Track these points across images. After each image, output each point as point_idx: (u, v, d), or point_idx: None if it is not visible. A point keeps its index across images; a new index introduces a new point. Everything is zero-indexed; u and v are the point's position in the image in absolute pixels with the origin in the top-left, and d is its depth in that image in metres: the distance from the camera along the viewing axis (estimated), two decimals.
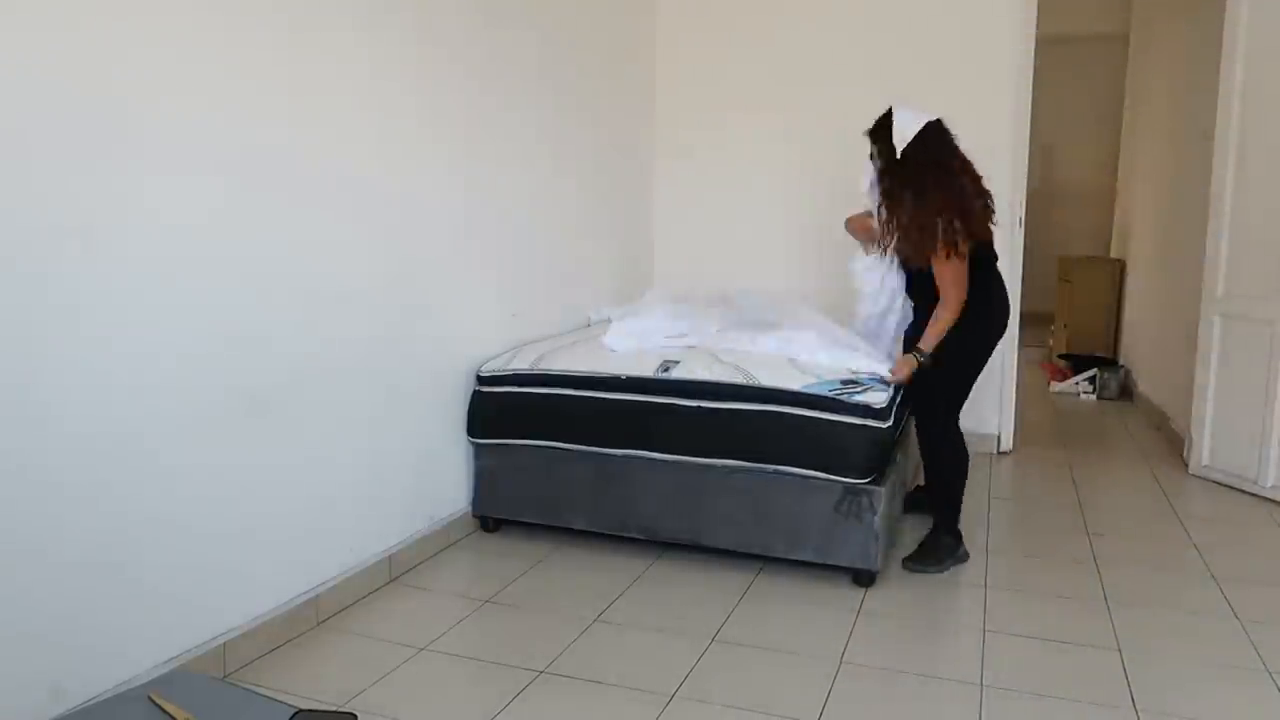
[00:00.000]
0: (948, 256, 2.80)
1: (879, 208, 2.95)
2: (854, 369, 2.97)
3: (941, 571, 3.00)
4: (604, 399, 3.07)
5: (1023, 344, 4.66)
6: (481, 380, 3.23)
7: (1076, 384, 5.98)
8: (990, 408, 4.34)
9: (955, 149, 2.91)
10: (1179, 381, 4.52)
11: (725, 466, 2.94)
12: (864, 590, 2.86)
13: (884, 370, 2.96)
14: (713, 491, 2.97)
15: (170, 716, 1.29)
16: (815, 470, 2.82)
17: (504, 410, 3.19)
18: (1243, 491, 3.83)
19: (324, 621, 2.59)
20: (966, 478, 3.09)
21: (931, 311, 2.92)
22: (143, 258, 2.01)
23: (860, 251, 3.16)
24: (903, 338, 3.16)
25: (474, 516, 3.31)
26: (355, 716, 1.39)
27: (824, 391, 2.86)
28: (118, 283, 1.96)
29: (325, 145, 2.53)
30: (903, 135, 2.84)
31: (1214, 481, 3.99)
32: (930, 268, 2.86)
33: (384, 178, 2.78)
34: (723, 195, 4.77)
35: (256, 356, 2.34)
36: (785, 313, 3.42)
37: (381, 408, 2.82)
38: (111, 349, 1.96)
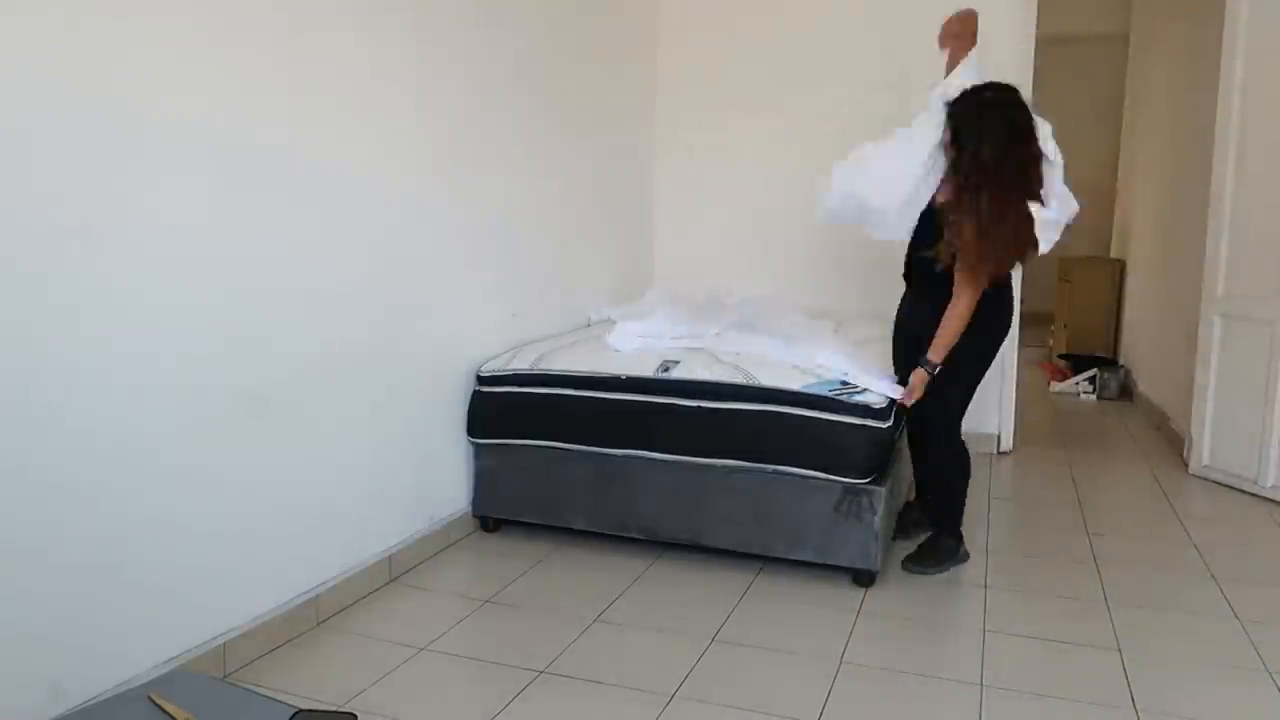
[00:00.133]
0: (977, 277, 2.70)
1: (944, 188, 2.77)
2: (859, 385, 2.88)
3: (941, 572, 3.00)
4: (604, 399, 3.07)
5: (1023, 344, 4.66)
6: (481, 380, 3.23)
7: (1076, 384, 5.98)
8: (990, 408, 4.34)
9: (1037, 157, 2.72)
10: (1179, 381, 4.52)
11: (725, 466, 2.94)
12: (864, 590, 2.86)
13: (894, 391, 2.87)
14: (713, 491, 2.97)
15: (170, 716, 1.29)
16: (815, 470, 2.82)
17: (504, 410, 3.19)
18: (1243, 491, 3.83)
19: (324, 621, 2.59)
20: (969, 479, 3.08)
21: (924, 283, 2.83)
22: (143, 258, 2.01)
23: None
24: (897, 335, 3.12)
25: (474, 516, 3.31)
26: (355, 716, 1.39)
27: (824, 391, 2.86)
28: (118, 283, 1.96)
29: (325, 145, 2.53)
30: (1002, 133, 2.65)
31: (1214, 481, 3.99)
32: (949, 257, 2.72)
33: (384, 178, 2.78)
34: (723, 195, 4.77)
35: (256, 356, 2.34)
36: (799, 329, 3.40)
37: (381, 408, 2.82)
38: (111, 349, 1.96)
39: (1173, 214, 5.14)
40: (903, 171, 2.82)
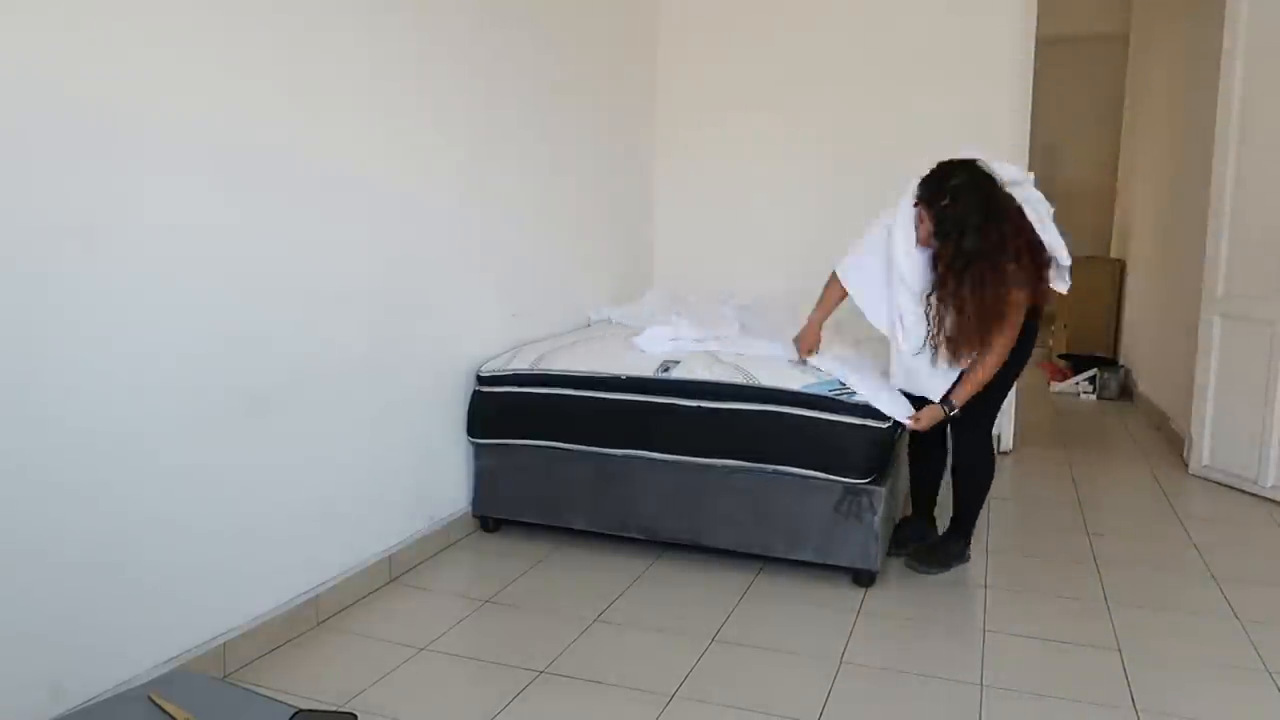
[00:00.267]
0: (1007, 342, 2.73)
1: (934, 294, 2.72)
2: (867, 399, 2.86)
3: (944, 572, 3.00)
4: (604, 399, 3.07)
5: None
6: (481, 380, 3.23)
7: (1076, 384, 5.98)
8: None
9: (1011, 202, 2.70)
10: (1179, 381, 4.52)
11: (725, 466, 2.94)
12: (864, 590, 2.86)
13: (902, 413, 2.85)
14: (713, 491, 2.97)
15: (170, 716, 1.29)
16: (815, 470, 2.82)
17: (504, 410, 3.19)
18: (1243, 491, 3.83)
19: (324, 621, 2.59)
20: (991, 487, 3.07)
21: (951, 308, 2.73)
22: (143, 258, 2.01)
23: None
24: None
25: (474, 516, 3.31)
26: (355, 716, 1.39)
27: (824, 391, 2.86)
28: (118, 283, 1.96)
29: (325, 145, 2.53)
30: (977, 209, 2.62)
31: (1214, 481, 3.99)
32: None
33: (384, 177, 2.78)
34: (723, 195, 4.78)
35: (256, 356, 2.34)
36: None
37: (381, 408, 2.82)
38: (111, 349, 1.96)
39: (1173, 214, 5.15)
40: (879, 291, 2.88)
